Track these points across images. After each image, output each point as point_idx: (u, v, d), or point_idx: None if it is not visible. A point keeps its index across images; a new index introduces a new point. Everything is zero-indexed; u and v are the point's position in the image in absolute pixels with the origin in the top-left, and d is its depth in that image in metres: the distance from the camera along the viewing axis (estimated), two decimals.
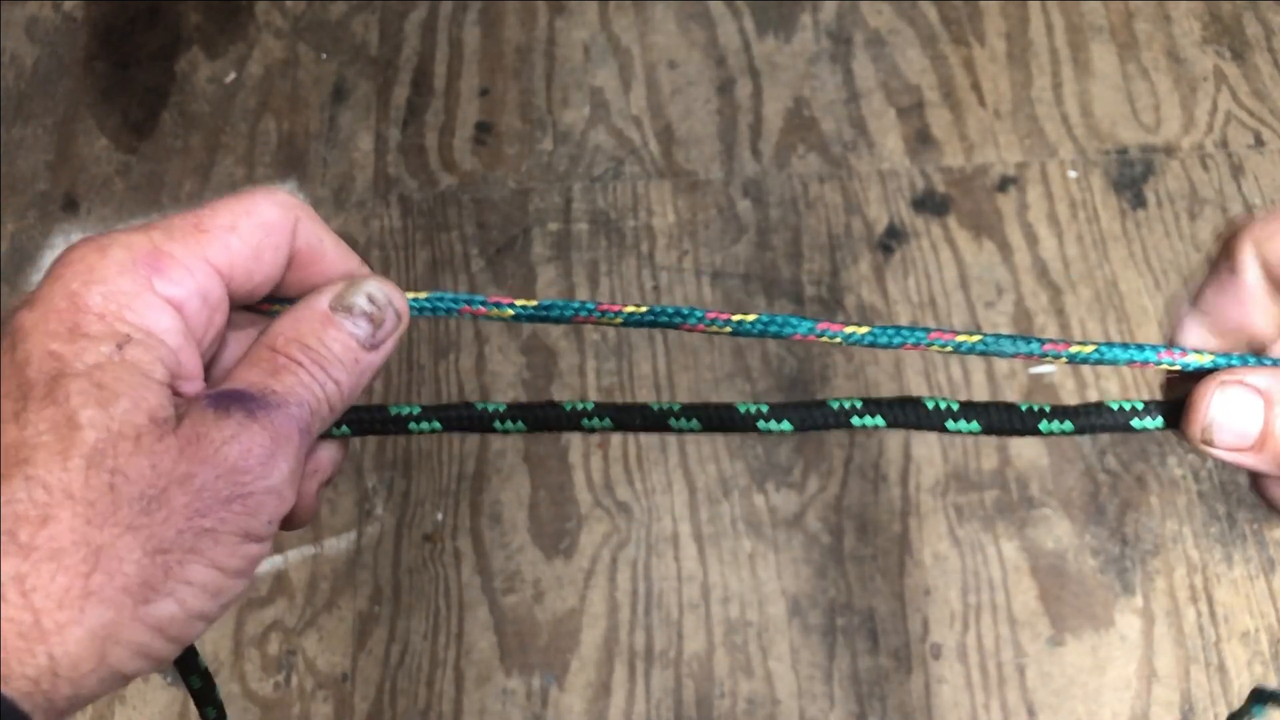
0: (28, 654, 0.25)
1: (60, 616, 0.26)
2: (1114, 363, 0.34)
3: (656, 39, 1.19)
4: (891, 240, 1.07)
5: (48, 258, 1.10)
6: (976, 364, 1.00)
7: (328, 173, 1.13)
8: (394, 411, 0.35)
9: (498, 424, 0.35)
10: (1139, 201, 1.08)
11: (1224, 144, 1.10)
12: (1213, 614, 0.90)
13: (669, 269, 1.06)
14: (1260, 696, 0.42)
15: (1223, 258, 0.32)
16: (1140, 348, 0.34)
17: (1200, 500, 0.94)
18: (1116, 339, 1.01)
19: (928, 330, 0.34)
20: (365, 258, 1.19)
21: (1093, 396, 0.98)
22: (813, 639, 0.91)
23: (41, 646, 0.25)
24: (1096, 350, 0.34)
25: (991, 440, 0.97)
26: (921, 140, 1.12)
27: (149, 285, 0.29)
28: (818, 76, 1.16)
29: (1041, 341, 0.34)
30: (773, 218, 1.08)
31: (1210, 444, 0.32)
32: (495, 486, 0.97)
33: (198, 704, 0.37)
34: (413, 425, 0.35)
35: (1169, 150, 1.10)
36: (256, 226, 0.32)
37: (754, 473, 0.97)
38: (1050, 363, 0.34)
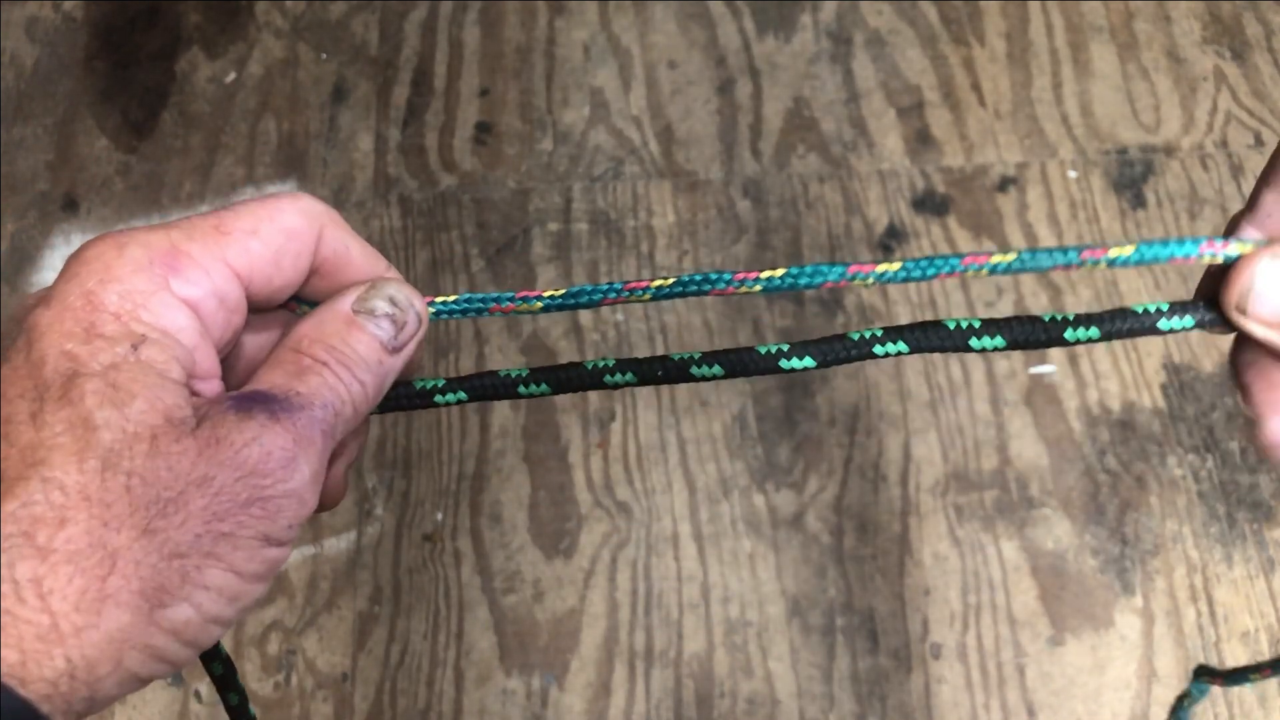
0: (46, 657, 0.25)
1: (77, 619, 0.26)
2: (1155, 260, 0.32)
3: (656, 39, 1.19)
4: (891, 240, 1.07)
5: (48, 258, 1.10)
6: (976, 364, 1.00)
7: (328, 173, 1.13)
8: (419, 385, 0.35)
9: (522, 388, 0.35)
10: (1139, 201, 1.08)
11: (1224, 144, 1.10)
12: (1213, 614, 0.90)
13: (669, 269, 1.06)
14: (1201, 672, 0.42)
15: None
16: (1180, 242, 0.32)
17: (1200, 500, 0.94)
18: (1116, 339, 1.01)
19: (960, 256, 0.33)
20: None
21: (1093, 396, 0.98)
22: (813, 639, 0.91)
23: (59, 649, 0.25)
24: (1136, 250, 0.32)
25: (991, 440, 0.97)
26: (921, 140, 1.12)
27: (165, 284, 0.29)
28: (818, 76, 1.16)
29: (1079, 249, 0.33)
30: (773, 218, 1.08)
31: (1244, 313, 0.31)
32: (495, 486, 0.97)
33: (220, 690, 0.37)
34: (439, 398, 0.35)
35: (1169, 150, 1.10)
36: (278, 232, 0.32)
37: (754, 473, 0.97)
38: (1098, 266, 0.34)
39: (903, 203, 1.08)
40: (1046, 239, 1.06)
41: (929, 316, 1.02)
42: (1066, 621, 0.90)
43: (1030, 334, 0.33)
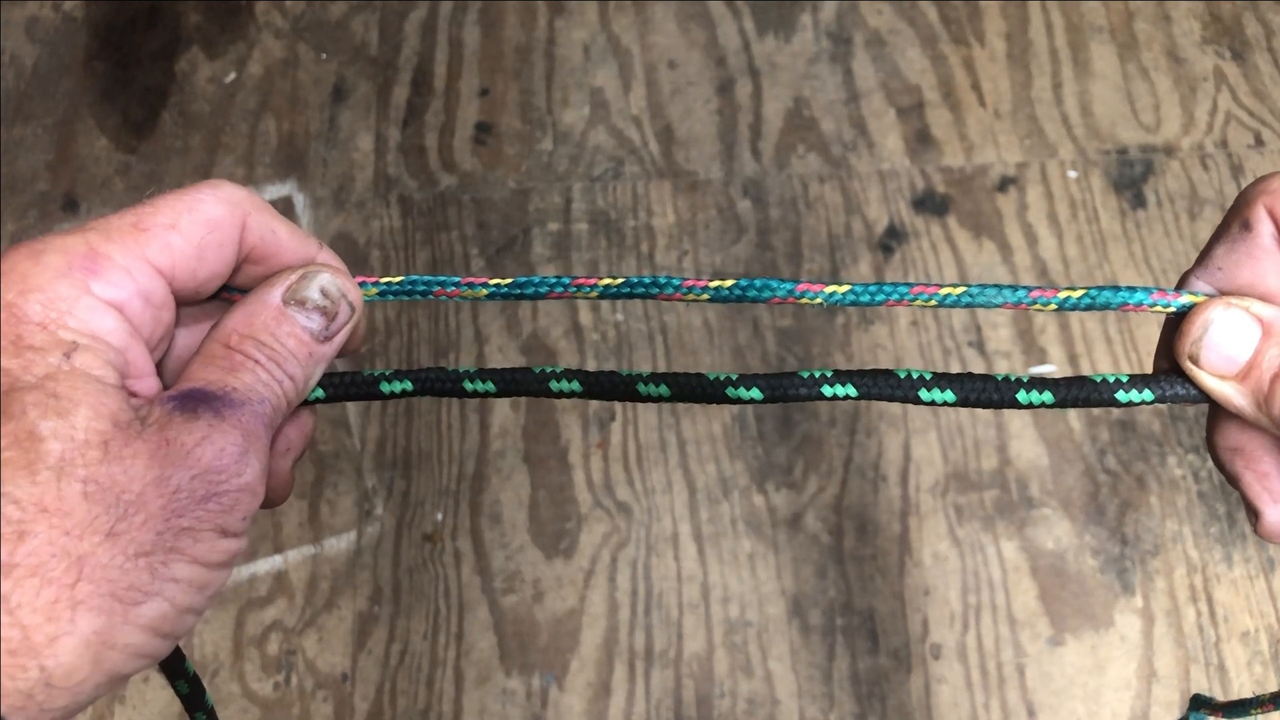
0: (19, 669, 0.25)
1: (50, 630, 0.26)
2: (1105, 307, 0.32)
3: (656, 39, 1.19)
4: (891, 240, 1.06)
5: None
6: (975, 364, 1.00)
7: (328, 173, 1.13)
8: (366, 374, 0.36)
9: (468, 384, 0.35)
10: (1139, 201, 1.08)
11: (1224, 144, 1.10)
12: (1213, 614, 0.90)
13: (669, 269, 1.06)
14: (1198, 703, 0.41)
15: (1236, 215, 0.31)
16: (1132, 290, 0.32)
17: (1200, 500, 0.94)
18: (1116, 339, 1.01)
19: (910, 285, 0.34)
20: (365, 257, 1.17)
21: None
22: (813, 639, 0.91)
23: (33, 661, 0.25)
24: (1087, 294, 0.32)
25: (991, 440, 0.97)
26: (921, 140, 1.12)
27: (87, 289, 0.29)
28: (818, 76, 1.16)
29: (1028, 289, 0.33)
30: (773, 218, 1.08)
31: (1195, 363, 0.31)
32: (495, 486, 0.97)
33: (188, 710, 0.37)
34: (384, 385, 0.35)
35: (1169, 150, 1.10)
36: (199, 224, 0.31)
37: (754, 473, 0.97)
38: (1048, 307, 0.33)
39: (903, 203, 1.08)
40: (1046, 239, 1.06)
41: (929, 318, 1.02)
42: (1066, 621, 0.90)
43: (982, 393, 0.33)
